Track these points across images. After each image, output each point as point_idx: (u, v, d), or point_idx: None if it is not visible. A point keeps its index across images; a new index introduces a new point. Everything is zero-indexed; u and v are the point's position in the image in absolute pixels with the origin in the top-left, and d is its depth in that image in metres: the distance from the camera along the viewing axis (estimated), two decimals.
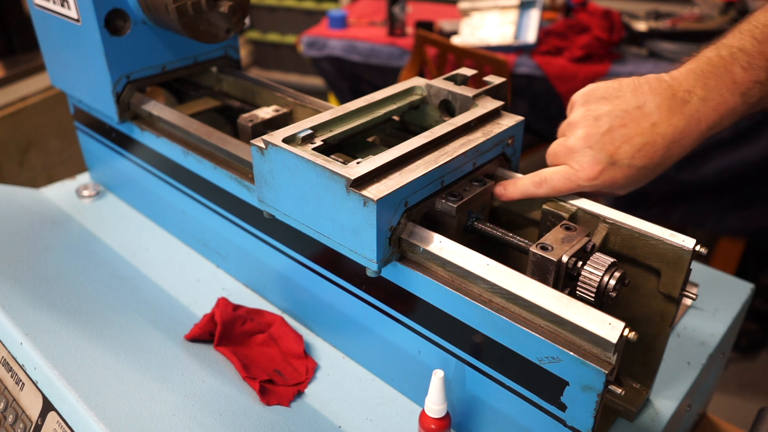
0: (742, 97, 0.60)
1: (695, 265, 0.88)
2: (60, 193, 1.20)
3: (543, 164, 0.72)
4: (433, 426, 0.65)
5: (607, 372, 0.53)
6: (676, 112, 0.62)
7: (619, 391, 0.55)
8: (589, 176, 0.65)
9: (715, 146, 2.02)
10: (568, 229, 0.65)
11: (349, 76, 2.79)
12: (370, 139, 0.86)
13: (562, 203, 0.70)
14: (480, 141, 0.72)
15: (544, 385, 0.59)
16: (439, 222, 0.70)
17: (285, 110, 0.96)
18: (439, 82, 0.82)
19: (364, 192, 0.61)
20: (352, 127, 0.76)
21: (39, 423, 0.76)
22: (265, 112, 0.95)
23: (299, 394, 0.79)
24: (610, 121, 0.64)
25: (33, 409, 0.77)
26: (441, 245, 0.64)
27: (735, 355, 2.27)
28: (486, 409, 0.68)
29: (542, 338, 0.56)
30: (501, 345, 0.61)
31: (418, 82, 0.84)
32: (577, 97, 0.68)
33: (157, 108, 0.99)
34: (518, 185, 0.71)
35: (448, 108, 0.82)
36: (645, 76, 0.65)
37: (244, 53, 4.33)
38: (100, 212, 1.15)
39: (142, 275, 0.99)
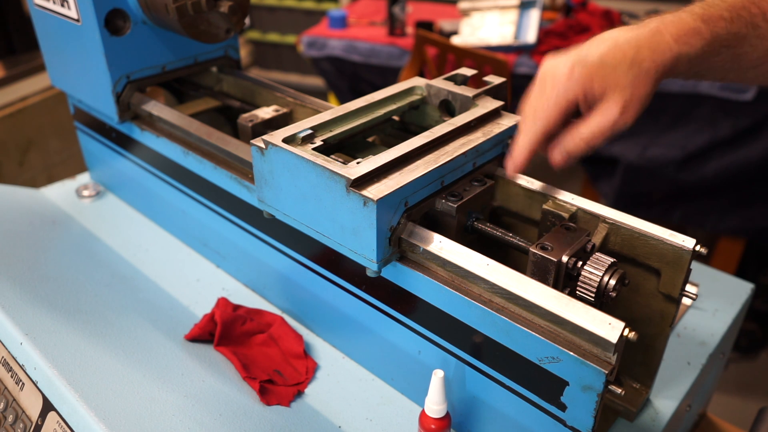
0: (704, 23, 0.62)
1: (695, 265, 0.88)
2: (60, 193, 1.20)
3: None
4: (433, 426, 0.65)
5: (607, 372, 0.53)
6: (635, 28, 0.64)
7: (619, 391, 0.56)
8: (564, 73, 0.64)
9: (715, 146, 2.02)
10: (568, 229, 0.65)
11: (349, 76, 2.78)
12: (370, 139, 0.86)
13: (562, 203, 0.70)
14: (480, 141, 0.72)
15: (544, 385, 0.59)
16: (439, 222, 0.70)
17: (285, 110, 0.96)
18: (439, 82, 0.82)
19: (364, 192, 0.61)
20: (352, 127, 0.76)
21: (39, 423, 0.76)
22: (265, 112, 0.95)
23: (299, 394, 0.79)
24: (574, 48, 0.65)
25: (33, 409, 0.77)
26: (441, 245, 0.64)
27: (735, 355, 2.27)
28: (486, 409, 0.68)
29: (542, 338, 0.56)
30: (501, 345, 0.61)
31: (418, 82, 0.84)
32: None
33: (157, 108, 0.99)
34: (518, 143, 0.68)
35: (448, 108, 0.82)
36: None
37: (244, 53, 4.33)
38: (100, 212, 1.15)
39: (142, 275, 0.99)
